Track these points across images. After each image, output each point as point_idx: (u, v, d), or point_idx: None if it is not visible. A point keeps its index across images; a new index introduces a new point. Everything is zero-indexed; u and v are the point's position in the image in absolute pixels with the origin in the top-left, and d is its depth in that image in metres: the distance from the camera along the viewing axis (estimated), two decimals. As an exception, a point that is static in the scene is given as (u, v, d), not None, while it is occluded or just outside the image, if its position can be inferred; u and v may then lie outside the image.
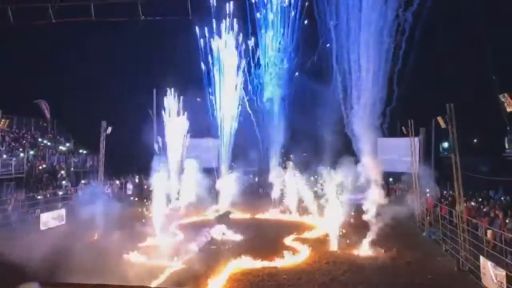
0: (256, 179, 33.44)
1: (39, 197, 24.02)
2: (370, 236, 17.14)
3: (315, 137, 27.20)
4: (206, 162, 28.48)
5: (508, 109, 12.77)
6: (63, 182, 28.57)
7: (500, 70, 22.96)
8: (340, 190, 18.67)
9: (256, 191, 32.03)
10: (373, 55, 22.54)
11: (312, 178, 26.01)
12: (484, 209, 19.58)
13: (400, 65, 22.77)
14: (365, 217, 17.79)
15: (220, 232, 19.42)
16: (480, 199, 22.14)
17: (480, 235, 14.99)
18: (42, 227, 20.51)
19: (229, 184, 26.04)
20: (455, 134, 14.99)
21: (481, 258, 12.76)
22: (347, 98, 24.35)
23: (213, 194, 26.49)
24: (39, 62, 31.47)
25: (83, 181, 30.07)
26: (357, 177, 23.71)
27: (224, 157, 31.04)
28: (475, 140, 35.34)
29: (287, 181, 25.84)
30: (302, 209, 24.60)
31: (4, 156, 26.54)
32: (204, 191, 24.74)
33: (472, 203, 21.04)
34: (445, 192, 25.02)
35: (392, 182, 30.44)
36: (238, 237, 19.11)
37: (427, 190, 22.67)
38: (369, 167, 18.91)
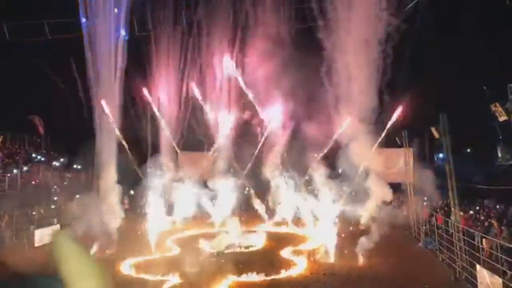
0: (251, 191, 33.32)
1: (33, 213, 23.82)
2: (367, 246, 17.14)
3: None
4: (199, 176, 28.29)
5: (500, 119, 12.98)
6: (55, 198, 28.35)
7: (491, 80, 23.31)
8: (336, 201, 18.73)
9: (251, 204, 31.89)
10: (364, 65, 22.86)
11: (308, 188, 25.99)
12: (482, 218, 19.69)
13: (391, 75, 23.10)
14: (361, 227, 17.84)
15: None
16: (477, 208, 22.27)
17: (477, 244, 15.07)
18: (36, 244, 20.32)
19: (225, 197, 25.99)
20: (449, 144, 15.16)
21: (478, 267, 12.82)
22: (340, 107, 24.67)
23: (208, 208, 26.41)
24: (32, 77, 31.47)
25: (77, 196, 29.86)
26: (353, 188, 23.85)
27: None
28: (468, 150, 35.66)
29: (282, 193, 25.86)
30: (298, 221, 24.56)
31: (-2, 172, 26.39)
32: (200, 205, 24.67)
33: (471, 212, 21.15)
34: (439, 201, 25.12)
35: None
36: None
37: (425, 199, 22.79)
38: (366, 178, 19.05)
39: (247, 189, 31.25)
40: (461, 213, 19.51)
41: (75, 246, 0.43)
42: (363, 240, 17.40)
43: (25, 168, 29.34)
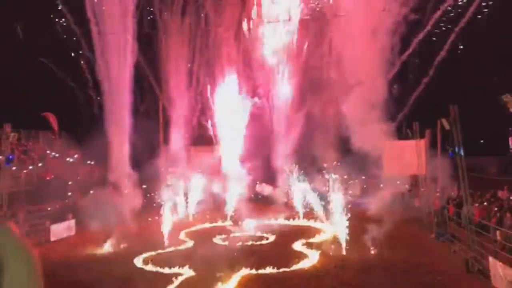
0: (263, 184, 33.41)
1: (48, 208, 24.24)
2: (379, 238, 17.17)
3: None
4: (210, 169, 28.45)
5: (511, 109, 12.87)
6: (69, 193, 28.77)
7: (501, 71, 23.06)
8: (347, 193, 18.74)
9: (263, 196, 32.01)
10: (376, 57, 22.75)
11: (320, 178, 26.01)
12: (495, 209, 19.52)
13: (402, 67, 22.97)
14: (373, 219, 17.85)
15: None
16: (491, 199, 22.08)
17: (490, 236, 14.98)
18: (52, 238, 20.73)
19: (237, 190, 26.14)
20: (460, 135, 15.06)
21: (490, 259, 12.78)
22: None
23: (221, 201, 26.58)
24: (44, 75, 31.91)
25: (91, 191, 30.28)
26: (364, 180, 23.82)
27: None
28: (481, 141, 35.32)
29: (293, 186, 25.96)
30: (309, 213, 24.63)
31: (14, 168, 26.83)
32: (212, 198, 24.86)
33: (485, 203, 20.97)
34: (452, 193, 24.96)
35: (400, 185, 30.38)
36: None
37: (438, 190, 22.69)
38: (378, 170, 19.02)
39: (258, 182, 31.39)
40: (475, 204, 19.39)
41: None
42: (375, 232, 17.43)
43: (40, 164, 29.79)
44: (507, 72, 21.99)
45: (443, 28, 25.57)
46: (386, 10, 23.08)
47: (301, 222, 24.60)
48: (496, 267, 12.19)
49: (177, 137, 30.38)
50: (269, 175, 30.55)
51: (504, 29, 24.91)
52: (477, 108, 24.86)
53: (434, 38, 25.73)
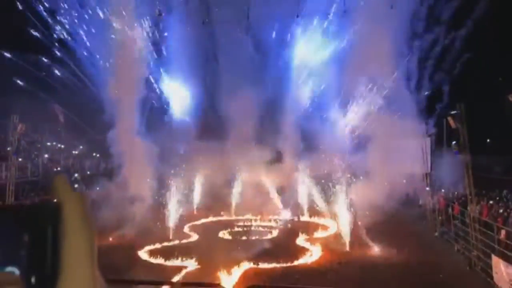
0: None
1: (54, 200, 24.41)
2: (382, 236, 17.21)
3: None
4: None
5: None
6: (76, 185, 28.93)
7: (508, 71, 22.97)
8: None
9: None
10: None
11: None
12: (501, 209, 19.49)
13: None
14: (377, 217, 17.87)
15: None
16: (497, 198, 22.05)
17: (496, 235, 14.96)
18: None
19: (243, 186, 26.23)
20: (466, 134, 15.05)
21: (493, 257, 12.81)
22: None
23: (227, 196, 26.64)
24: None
25: (97, 183, 30.49)
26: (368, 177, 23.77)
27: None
28: (488, 140, 35.15)
29: (298, 183, 25.98)
30: (313, 210, 24.65)
31: (20, 159, 27.07)
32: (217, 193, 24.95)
33: (491, 202, 20.95)
34: (455, 192, 24.93)
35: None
36: None
37: (442, 191, 22.67)
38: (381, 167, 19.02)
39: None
40: (482, 203, 19.38)
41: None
42: (378, 229, 17.47)
43: (46, 156, 30.08)
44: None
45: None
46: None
47: (305, 218, 24.66)
48: (499, 265, 12.21)
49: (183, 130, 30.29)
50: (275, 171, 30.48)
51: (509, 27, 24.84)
52: (483, 107, 24.75)
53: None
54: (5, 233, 0.49)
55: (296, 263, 15.37)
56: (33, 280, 0.46)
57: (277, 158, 29.22)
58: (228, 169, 27.38)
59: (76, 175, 30.18)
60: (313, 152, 26.33)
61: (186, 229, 21.04)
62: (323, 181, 25.48)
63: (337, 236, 18.82)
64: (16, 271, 0.47)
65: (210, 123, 30.51)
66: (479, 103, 23.97)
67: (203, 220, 23.92)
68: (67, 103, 31.89)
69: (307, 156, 26.55)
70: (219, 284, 10.96)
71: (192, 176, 27.02)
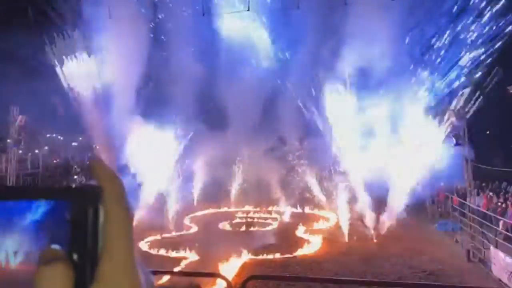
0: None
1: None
2: (382, 227, 17.29)
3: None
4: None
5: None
6: (75, 177, 29.05)
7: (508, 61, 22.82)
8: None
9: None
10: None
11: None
12: (500, 200, 19.56)
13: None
14: (377, 208, 17.93)
15: None
16: (496, 190, 22.10)
17: (493, 226, 15.04)
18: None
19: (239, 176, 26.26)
20: (465, 125, 15.06)
21: (492, 248, 12.88)
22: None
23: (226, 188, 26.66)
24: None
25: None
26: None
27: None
28: (487, 132, 35.09)
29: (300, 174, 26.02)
30: (313, 201, 24.69)
31: (20, 152, 27.08)
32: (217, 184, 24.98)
33: (491, 193, 21.01)
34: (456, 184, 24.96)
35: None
36: None
37: (441, 184, 22.67)
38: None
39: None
40: (482, 194, 19.43)
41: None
42: (378, 220, 17.55)
43: (46, 148, 30.10)
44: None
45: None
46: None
47: (305, 209, 24.71)
48: (497, 257, 12.28)
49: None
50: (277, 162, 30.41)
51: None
52: (483, 99, 24.63)
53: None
54: (52, 214, 0.51)
55: (296, 254, 15.44)
56: (75, 257, 0.48)
57: (279, 145, 28.99)
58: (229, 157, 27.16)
59: (75, 167, 30.24)
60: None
61: (186, 220, 21.12)
62: (325, 172, 25.51)
63: (337, 227, 18.89)
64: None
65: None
66: (477, 95, 23.86)
67: (203, 212, 24.00)
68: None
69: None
70: (219, 274, 11.03)
71: (192, 166, 26.99)
